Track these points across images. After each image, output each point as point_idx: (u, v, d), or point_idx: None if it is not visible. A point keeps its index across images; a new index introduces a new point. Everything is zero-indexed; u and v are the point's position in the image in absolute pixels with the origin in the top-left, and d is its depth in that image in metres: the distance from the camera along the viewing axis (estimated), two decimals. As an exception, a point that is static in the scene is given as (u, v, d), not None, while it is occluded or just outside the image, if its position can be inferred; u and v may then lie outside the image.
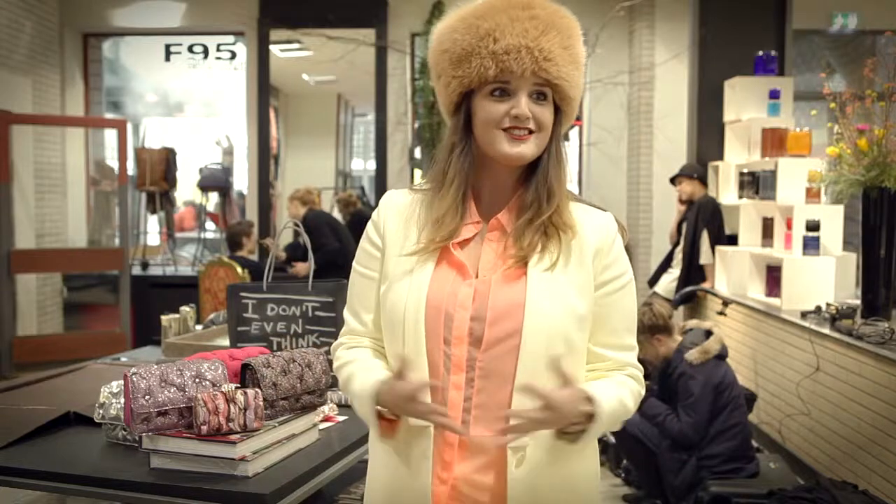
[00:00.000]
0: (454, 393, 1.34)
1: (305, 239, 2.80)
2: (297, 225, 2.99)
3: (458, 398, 1.34)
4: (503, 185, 1.41)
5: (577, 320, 1.35)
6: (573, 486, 1.40)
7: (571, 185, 1.48)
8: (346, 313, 1.50)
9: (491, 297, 1.35)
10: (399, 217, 1.44)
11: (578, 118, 7.60)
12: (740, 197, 5.62)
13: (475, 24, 1.34)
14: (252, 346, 2.31)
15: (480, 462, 1.35)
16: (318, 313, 2.52)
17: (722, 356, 3.72)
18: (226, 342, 2.77)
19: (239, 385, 1.97)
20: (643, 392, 1.45)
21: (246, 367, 2.00)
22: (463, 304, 1.34)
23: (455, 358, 1.34)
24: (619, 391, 1.38)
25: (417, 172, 7.62)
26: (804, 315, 4.30)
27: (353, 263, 1.49)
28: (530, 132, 1.35)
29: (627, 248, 1.47)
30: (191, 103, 9.79)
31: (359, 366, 1.43)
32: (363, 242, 1.48)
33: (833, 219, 4.78)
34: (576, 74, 1.37)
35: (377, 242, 1.45)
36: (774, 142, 5.28)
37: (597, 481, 1.47)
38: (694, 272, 5.76)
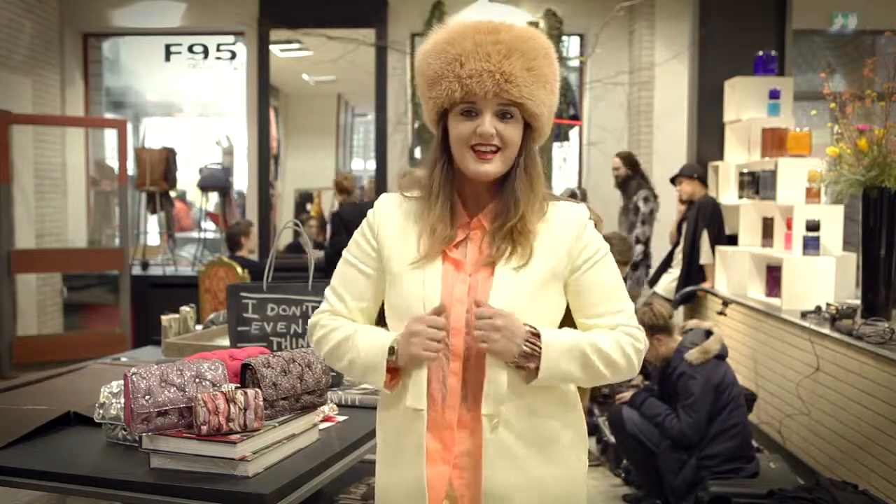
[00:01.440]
0: (453, 379, 1.48)
1: (306, 239, 2.80)
2: (297, 225, 2.99)
3: (456, 384, 1.48)
4: (481, 191, 1.54)
5: (546, 306, 1.50)
6: (550, 451, 1.50)
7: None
8: (328, 293, 1.60)
9: (479, 292, 1.48)
10: (393, 221, 1.56)
11: (578, 118, 7.61)
12: (740, 197, 5.62)
13: (445, 50, 1.46)
14: (252, 346, 2.31)
15: (474, 441, 1.48)
16: (318, 313, 2.52)
17: (722, 356, 3.72)
18: (226, 342, 2.77)
19: (239, 385, 1.97)
20: (641, 347, 1.54)
21: (246, 367, 2.00)
22: (459, 299, 1.48)
23: (454, 347, 1.47)
24: (578, 335, 1.49)
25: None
26: (804, 315, 4.30)
27: (344, 253, 1.60)
28: (497, 150, 1.47)
29: (610, 242, 1.59)
30: (191, 103, 9.77)
31: (360, 328, 1.54)
32: (358, 237, 1.59)
33: (833, 219, 4.78)
34: (541, 93, 1.48)
35: (372, 242, 1.57)
36: (774, 142, 5.28)
37: (580, 454, 1.57)
38: (694, 272, 5.76)
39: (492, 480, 1.46)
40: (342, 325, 1.56)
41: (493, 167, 1.47)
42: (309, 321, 1.62)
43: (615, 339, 1.50)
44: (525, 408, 1.47)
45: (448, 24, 1.50)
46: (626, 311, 1.54)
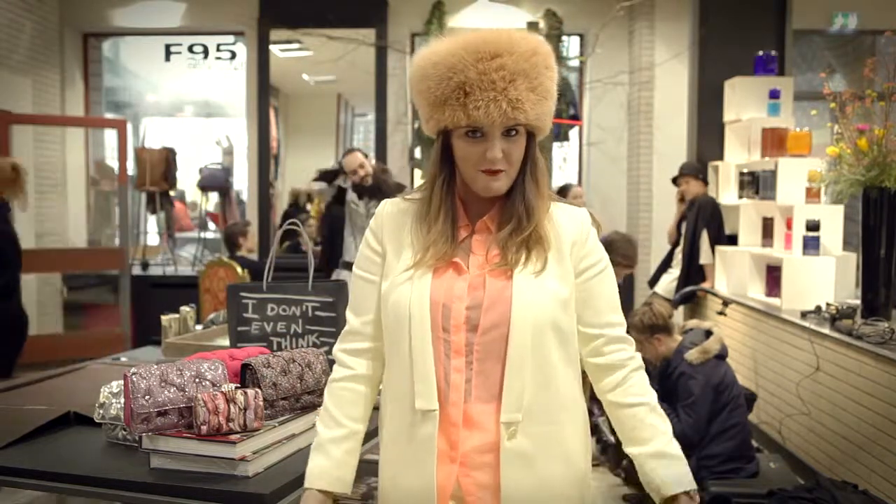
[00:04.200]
0: (455, 375, 1.48)
1: (306, 240, 2.80)
2: (297, 225, 2.99)
3: (459, 379, 1.48)
4: (486, 196, 1.53)
5: (561, 304, 1.49)
6: (563, 456, 1.51)
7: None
8: (347, 313, 1.63)
9: (486, 290, 1.48)
10: (395, 224, 1.58)
11: (578, 118, 7.61)
12: (740, 197, 5.62)
13: (447, 76, 1.43)
14: (252, 346, 2.31)
15: (482, 438, 1.48)
16: (318, 313, 2.53)
17: (722, 356, 3.72)
18: (226, 342, 2.77)
19: (239, 385, 1.97)
20: (639, 355, 1.59)
21: (246, 367, 2.00)
22: (459, 297, 1.49)
23: (455, 344, 1.48)
24: (665, 444, 1.53)
25: (417, 172, 7.62)
26: (804, 315, 4.30)
27: (354, 268, 1.62)
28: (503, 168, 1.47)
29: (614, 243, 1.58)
30: (191, 103, 9.77)
31: (328, 437, 1.56)
32: (363, 248, 1.61)
33: (833, 219, 4.78)
34: (545, 108, 1.47)
35: (377, 248, 1.58)
36: (774, 142, 5.28)
37: (586, 455, 1.58)
38: (694, 272, 5.76)
39: (510, 486, 1.46)
40: (332, 415, 1.57)
41: (502, 184, 1.49)
42: (336, 347, 1.63)
43: (652, 400, 1.55)
44: (538, 412, 1.47)
45: (447, 42, 1.46)
46: (623, 325, 1.58)
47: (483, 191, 1.49)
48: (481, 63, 1.41)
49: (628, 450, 1.56)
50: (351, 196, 5.34)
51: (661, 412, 1.55)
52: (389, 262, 1.55)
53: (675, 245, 6.14)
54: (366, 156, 5.36)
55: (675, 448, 1.53)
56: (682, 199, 6.02)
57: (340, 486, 1.54)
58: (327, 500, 1.54)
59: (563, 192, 6.49)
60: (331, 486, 1.53)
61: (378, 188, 5.19)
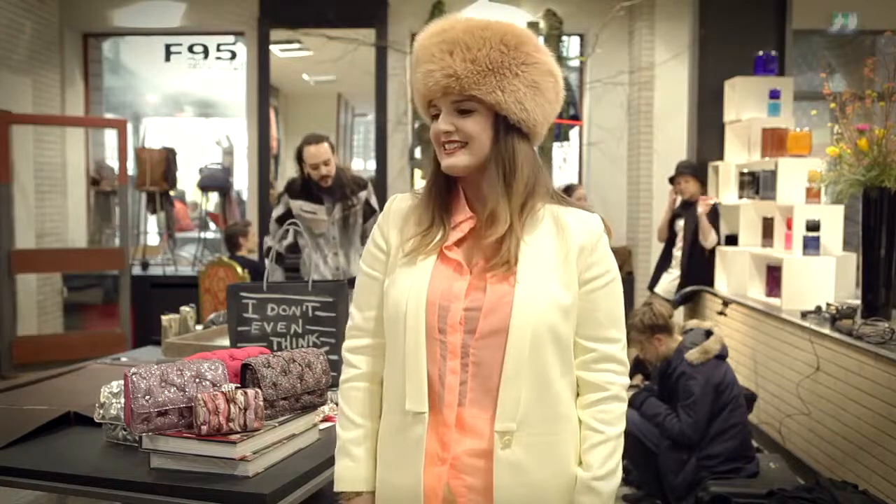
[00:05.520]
0: (451, 377, 1.46)
1: (306, 240, 2.80)
2: (297, 225, 2.99)
3: (454, 382, 1.47)
4: (478, 185, 1.51)
5: (562, 312, 1.46)
6: (558, 466, 1.49)
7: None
8: (351, 308, 1.63)
9: (487, 291, 1.46)
10: (400, 220, 1.57)
11: (578, 118, 7.60)
12: (740, 197, 5.62)
13: (413, 57, 1.51)
14: (252, 346, 2.31)
15: (475, 443, 1.46)
16: (318, 313, 2.53)
17: (722, 356, 3.72)
18: (226, 342, 2.77)
19: (239, 385, 1.97)
20: (627, 381, 1.54)
21: (246, 367, 2.00)
22: (457, 297, 1.47)
23: (451, 345, 1.46)
24: (605, 451, 1.49)
25: (417, 172, 7.61)
26: (804, 315, 4.30)
27: (360, 263, 1.62)
28: (462, 145, 1.47)
29: (626, 250, 1.54)
30: (191, 103, 9.78)
31: (347, 439, 1.58)
32: (369, 245, 1.60)
33: (833, 219, 4.78)
34: (491, 80, 1.44)
35: (381, 245, 1.58)
36: (774, 142, 5.28)
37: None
38: (694, 272, 5.75)
39: (503, 494, 1.45)
40: (349, 413, 1.59)
41: (456, 160, 1.47)
42: (343, 346, 1.63)
43: (610, 416, 1.51)
44: (534, 422, 1.45)
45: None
46: (620, 342, 1.53)
47: (445, 169, 1.49)
48: (429, 37, 1.47)
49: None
50: (298, 205, 4.41)
51: (615, 446, 1.51)
52: (393, 257, 1.54)
53: (669, 244, 6.12)
54: (334, 150, 4.46)
55: (606, 486, 1.49)
56: (685, 201, 5.99)
57: (369, 485, 1.56)
58: (368, 498, 1.56)
59: (567, 192, 6.49)
60: (360, 487, 1.55)
61: (339, 187, 4.39)
